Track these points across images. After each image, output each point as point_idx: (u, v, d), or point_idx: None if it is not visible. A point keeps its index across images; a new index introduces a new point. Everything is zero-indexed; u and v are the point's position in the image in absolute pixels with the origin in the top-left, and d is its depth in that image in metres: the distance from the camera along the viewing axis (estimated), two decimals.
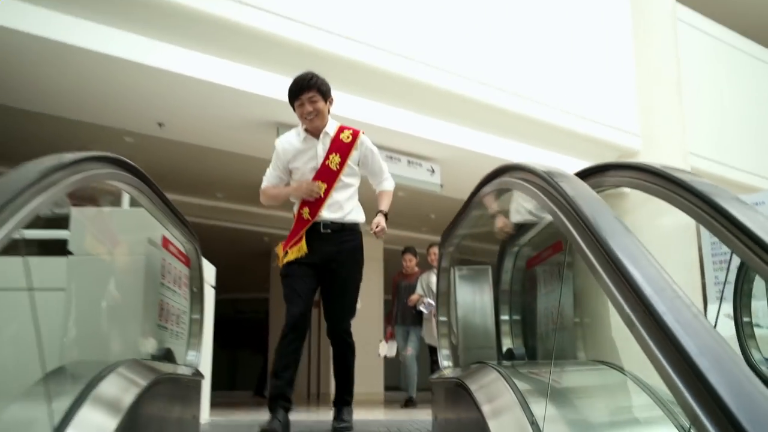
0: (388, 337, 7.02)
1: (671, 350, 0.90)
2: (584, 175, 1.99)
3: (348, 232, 3.15)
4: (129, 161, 1.95)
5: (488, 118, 6.43)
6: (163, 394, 2.01)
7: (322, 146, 3.12)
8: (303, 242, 3.06)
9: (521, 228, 2.69)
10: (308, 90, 3.05)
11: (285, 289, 3.07)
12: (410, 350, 6.63)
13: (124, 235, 2.40)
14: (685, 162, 7.35)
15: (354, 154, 3.15)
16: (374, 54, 5.61)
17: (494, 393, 1.85)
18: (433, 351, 6.17)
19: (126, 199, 2.74)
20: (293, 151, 3.17)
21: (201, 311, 2.88)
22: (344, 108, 4.69)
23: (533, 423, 1.71)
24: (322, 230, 3.09)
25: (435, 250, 6.27)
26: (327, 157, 3.10)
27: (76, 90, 4.97)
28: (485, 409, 1.82)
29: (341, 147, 3.14)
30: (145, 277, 2.27)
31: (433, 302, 5.95)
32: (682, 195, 1.53)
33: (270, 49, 4.98)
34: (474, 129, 6.38)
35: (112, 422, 1.73)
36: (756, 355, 2.84)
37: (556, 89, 6.92)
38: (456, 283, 2.91)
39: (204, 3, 4.73)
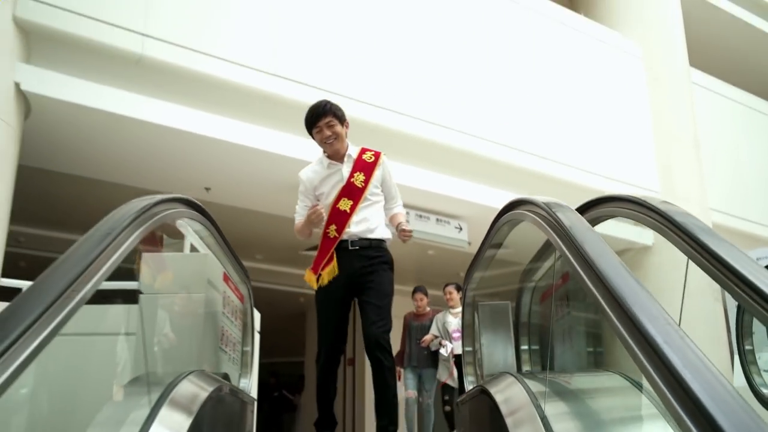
0: (399, 378, 6.40)
1: (655, 359, 1.11)
2: (582, 209, 2.34)
3: (376, 249, 3.16)
4: (201, 205, 2.36)
5: (515, 178, 6.80)
6: (225, 401, 2.34)
7: (346, 168, 3.20)
8: (335, 262, 3.08)
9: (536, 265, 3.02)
10: (324, 116, 3.15)
11: (318, 317, 3.14)
12: (412, 393, 6.22)
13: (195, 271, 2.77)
14: (705, 216, 7.60)
15: (377, 173, 3.22)
16: (407, 121, 6.10)
17: (510, 393, 2.16)
18: (446, 391, 5.97)
19: (187, 244, 3.12)
20: (318, 178, 3.24)
21: (252, 344, 3.22)
22: None
23: (543, 417, 2.01)
24: (350, 247, 3.10)
25: (450, 289, 6.20)
26: (352, 175, 3.17)
27: (130, 157, 5.45)
28: (500, 403, 2.12)
29: (365, 166, 3.22)
30: (211, 306, 2.63)
31: (450, 344, 5.79)
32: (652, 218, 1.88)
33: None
34: (501, 188, 6.69)
35: (186, 421, 2.06)
36: (757, 380, 3.07)
37: (580, 151, 7.30)
38: (480, 318, 3.21)
39: (248, 78, 5.27)
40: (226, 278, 2.90)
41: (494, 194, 6.71)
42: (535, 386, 2.16)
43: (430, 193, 6.35)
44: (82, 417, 2.01)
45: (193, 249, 3.53)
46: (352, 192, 3.16)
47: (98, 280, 1.56)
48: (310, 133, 3.24)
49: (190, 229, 2.98)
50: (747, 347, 3.25)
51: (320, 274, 3.08)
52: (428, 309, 6.55)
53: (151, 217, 1.93)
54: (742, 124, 9.18)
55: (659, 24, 8.67)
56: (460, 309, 5.36)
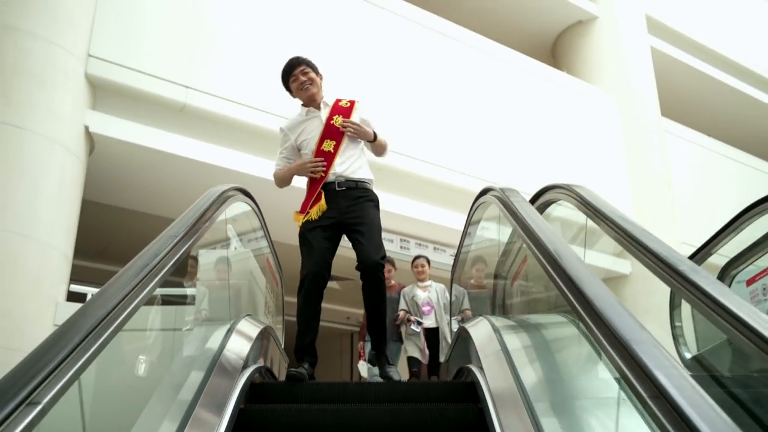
0: (363, 356, 5.99)
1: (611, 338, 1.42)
2: (533, 199, 3.24)
3: (362, 189, 3.24)
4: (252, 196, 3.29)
5: None
6: (269, 335, 3.22)
7: (324, 113, 3.32)
8: (323, 200, 3.16)
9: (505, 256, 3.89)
10: (299, 65, 3.33)
11: (303, 248, 3.17)
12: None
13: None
14: (677, 249, 8.43)
15: (354, 117, 3.32)
16: (411, 162, 7.06)
17: (480, 326, 3.02)
18: (413, 364, 5.49)
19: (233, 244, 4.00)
20: (298, 126, 3.36)
21: (282, 322, 4.06)
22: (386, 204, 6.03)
23: (499, 338, 2.86)
24: (337, 188, 3.19)
25: (423, 261, 5.87)
26: (330, 118, 3.28)
27: (172, 190, 6.35)
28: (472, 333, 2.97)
29: (342, 110, 3.34)
30: (260, 283, 3.51)
31: (420, 319, 5.44)
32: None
33: None
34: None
35: (246, 346, 2.91)
36: (684, 352, 3.89)
37: None
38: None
39: (271, 123, 6.23)
40: (269, 265, 3.77)
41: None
42: (499, 322, 3.02)
43: (428, 223, 7.23)
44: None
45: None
46: (333, 133, 3.27)
47: (196, 239, 2.41)
48: (288, 87, 3.40)
49: (234, 232, 3.86)
50: (677, 324, 4.09)
51: (308, 212, 3.18)
52: (393, 282, 6.08)
53: (227, 198, 2.82)
54: (712, 168, 10.11)
55: (633, 79, 9.71)
56: (429, 283, 5.60)
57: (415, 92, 7.54)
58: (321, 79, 3.42)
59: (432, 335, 5.35)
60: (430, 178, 7.29)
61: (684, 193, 9.43)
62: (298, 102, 3.45)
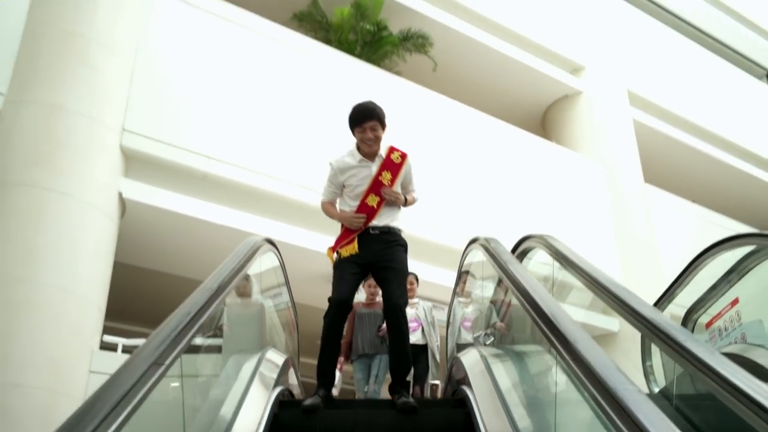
0: (341, 367, 6.02)
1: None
2: (513, 248, 3.83)
3: (393, 234, 3.46)
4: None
5: None
6: (290, 364, 3.78)
7: (375, 166, 3.48)
8: (355, 242, 3.38)
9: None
10: (371, 119, 3.41)
11: (335, 275, 3.39)
12: (362, 396, 5.72)
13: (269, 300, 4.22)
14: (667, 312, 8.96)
15: (402, 174, 3.53)
16: (420, 227, 7.65)
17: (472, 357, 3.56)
18: None
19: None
20: (348, 170, 3.50)
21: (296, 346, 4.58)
22: None
23: (486, 364, 3.40)
24: (371, 231, 3.41)
25: (411, 279, 5.76)
26: (380, 173, 3.45)
27: (194, 252, 6.95)
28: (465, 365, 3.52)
29: (392, 166, 3.50)
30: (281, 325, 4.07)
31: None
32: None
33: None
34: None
35: (274, 374, 3.45)
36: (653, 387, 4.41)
37: None
38: None
39: (287, 190, 6.87)
40: (288, 310, 4.33)
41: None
42: (486, 351, 3.57)
43: (432, 284, 7.77)
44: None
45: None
46: (377, 188, 3.45)
47: (235, 282, 2.97)
48: (352, 129, 3.49)
49: (257, 287, 4.43)
50: (648, 363, 4.63)
51: (338, 251, 3.44)
52: (378, 299, 5.94)
53: (259, 247, 3.41)
54: (694, 231, 10.71)
55: (617, 148, 10.44)
56: (416, 300, 5.70)
57: (421, 162, 8.20)
58: (384, 131, 3.53)
59: (418, 351, 5.33)
60: (432, 241, 7.85)
61: (669, 255, 9.98)
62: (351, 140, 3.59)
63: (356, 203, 3.48)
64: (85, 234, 5.55)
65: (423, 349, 5.46)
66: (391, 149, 3.55)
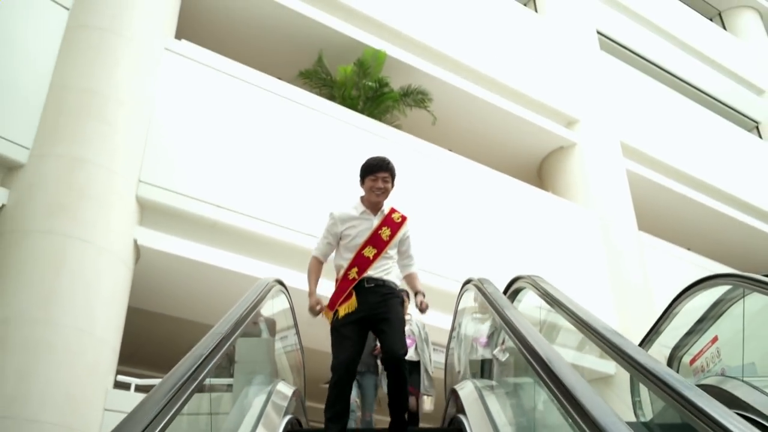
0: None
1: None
2: (505, 289, 4.13)
3: (389, 287, 3.52)
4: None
5: None
6: (299, 398, 4.04)
7: (377, 219, 3.58)
8: (354, 298, 3.42)
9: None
10: (385, 171, 3.55)
11: (334, 340, 3.41)
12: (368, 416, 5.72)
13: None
14: (655, 352, 9.17)
15: (400, 233, 3.62)
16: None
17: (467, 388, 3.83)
18: None
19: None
20: (349, 221, 3.58)
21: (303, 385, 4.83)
22: None
23: (480, 395, 3.67)
24: (366, 285, 3.45)
25: (403, 296, 5.46)
26: (380, 228, 3.54)
27: (204, 297, 7.24)
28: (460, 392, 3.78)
29: (392, 224, 3.59)
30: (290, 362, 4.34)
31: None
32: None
33: None
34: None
35: (284, 402, 3.73)
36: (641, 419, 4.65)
37: None
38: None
39: (291, 237, 7.19)
40: (297, 352, 4.61)
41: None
42: (480, 383, 3.84)
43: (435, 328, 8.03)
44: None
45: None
46: (377, 242, 3.53)
47: (248, 321, 3.28)
48: (363, 178, 3.61)
49: (264, 327, 4.72)
50: (636, 399, 4.88)
51: (337, 310, 3.46)
52: None
53: (271, 288, 3.73)
54: (688, 277, 10.92)
55: (611, 197, 10.78)
56: (409, 317, 5.62)
57: (421, 213, 8.54)
58: (393, 188, 3.65)
59: (411, 367, 5.34)
60: (432, 287, 8.11)
61: (664, 301, 10.15)
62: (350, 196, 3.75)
63: (351, 255, 3.53)
64: (102, 279, 5.86)
65: (416, 365, 5.49)
66: (393, 210, 3.69)
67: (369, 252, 3.52)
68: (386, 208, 3.68)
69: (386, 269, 3.57)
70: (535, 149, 11.53)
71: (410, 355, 5.39)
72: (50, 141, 6.13)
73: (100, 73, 6.63)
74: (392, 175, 3.62)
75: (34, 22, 6.55)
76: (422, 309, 3.58)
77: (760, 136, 15.39)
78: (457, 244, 8.65)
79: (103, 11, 6.97)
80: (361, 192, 3.68)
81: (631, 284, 9.98)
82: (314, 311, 3.53)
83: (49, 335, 5.34)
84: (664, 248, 11.05)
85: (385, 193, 3.60)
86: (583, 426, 1.84)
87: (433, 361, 5.84)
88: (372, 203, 3.63)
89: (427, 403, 5.23)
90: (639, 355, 2.53)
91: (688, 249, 11.49)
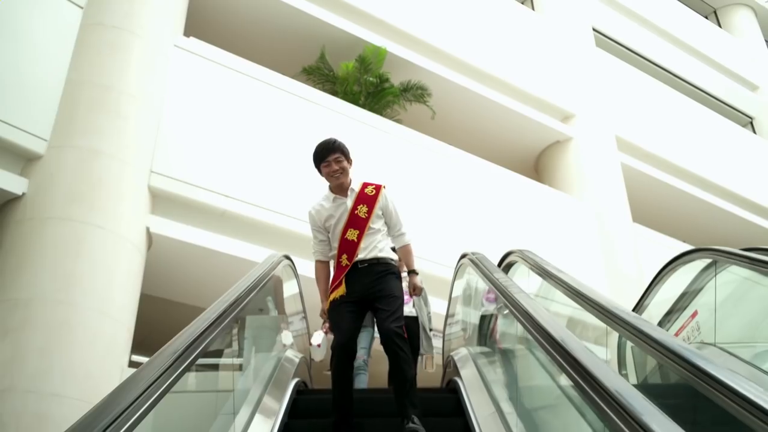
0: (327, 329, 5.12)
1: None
2: (500, 262, 4.43)
3: (384, 264, 3.48)
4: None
5: None
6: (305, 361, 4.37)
7: (350, 201, 3.51)
8: (343, 285, 3.41)
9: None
10: (333, 152, 3.49)
11: (331, 321, 3.47)
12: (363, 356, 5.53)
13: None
14: None
15: (378, 205, 3.54)
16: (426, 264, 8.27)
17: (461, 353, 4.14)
18: None
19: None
20: (325, 213, 3.55)
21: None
22: None
23: (474, 360, 3.98)
24: (359, 266, 3.43)
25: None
26: (355, 207, 3.47)
27: (211, 283, 7.54)
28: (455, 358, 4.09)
29: (367, 199, 3.52)
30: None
31: None
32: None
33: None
34: None
35: (293, 367, 4.03)
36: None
37: None
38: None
39: (296, 226, 7.50)
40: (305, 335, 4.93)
41: None
42: (473, 350, 4.15)
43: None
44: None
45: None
46: (357, 222, 3.47)
47: (256, 292, 3.58)
48: (318, 168, 3.59)
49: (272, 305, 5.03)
50: (623, 372, 5.17)
51: (330, 294, 3.50)
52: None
53: (280, 261, 4.04)
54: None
55: (606, 190, 11.09)
56: (405, 275, 5.27)
57: (421, 204, 8.86)
58: (351, 164, 3.60)
59: (410, 323, 5.34)
60: (431, 274, 8.43)
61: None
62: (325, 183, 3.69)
63: (334, 248, 3.53)
64: (117, 263, 6.18)
65: (415, 320, 5.45)
66: (365, 185, 3.61)
67: (352, 234, 3.47)
68: (357, 185, 3.62)
69: (376, 245, 3.51)
70: (532, 143, 11.84)
71: (409, 311, 5.40)
72: (67, 133, 6.44)
73: (113, 69, 6.94)
74: (343, 153, 3.56)
75: (51, 21, 6.86)
76: (414, 291, 3.59)
77: (754, 132, 15.70)
78: (456, 233, 8.95)
79: (116, 10, 7.28)
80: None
81: (625, 274, 10.28)
82: (323, 318, 3.56)
83: (68, 316, 5.65)
84: (658, 239, 11.36)
85: (344, 172, 3.54)
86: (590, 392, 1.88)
87: (433, 330, 5.80)
88: (337, 187, 3.57)
89: (428, 365, 5.21)
90: (627, 315, 2.80)
91: (684, 241, 11.79)
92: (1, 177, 6.04)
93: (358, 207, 3.51)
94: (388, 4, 10.42)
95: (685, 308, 5.06)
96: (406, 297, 5.10)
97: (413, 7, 10.77)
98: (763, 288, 4.27)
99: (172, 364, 2.08)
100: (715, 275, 4.30)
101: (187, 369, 2.23)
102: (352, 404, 3.29)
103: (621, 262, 10.41)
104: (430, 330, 5.49)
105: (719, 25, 17.58)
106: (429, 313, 5.60)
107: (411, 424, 3.06)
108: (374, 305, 3.42)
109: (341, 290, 3.42)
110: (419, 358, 5.28)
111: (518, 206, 9.97)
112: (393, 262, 3.58)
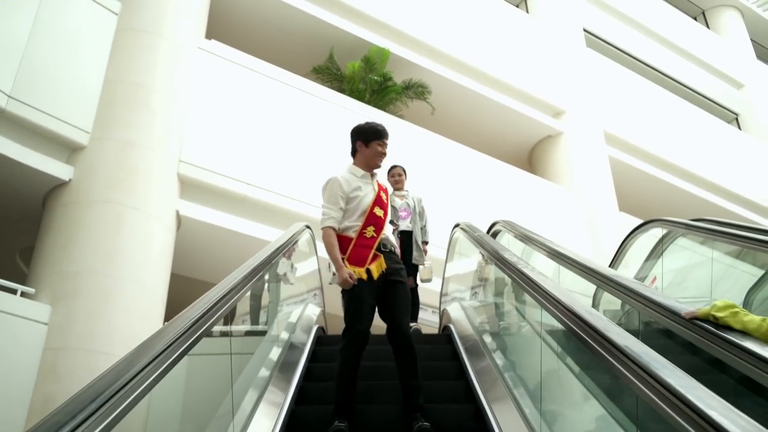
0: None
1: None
2: (488, 229, 5.23)
3: (396, 255, 3.63)
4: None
5: None
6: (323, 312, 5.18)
7: (375, 184, 3.66)
8: (382, 258, 3.46)
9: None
10: (387, 137, 3.67)
11: (353, 302, 3.34)
12: None
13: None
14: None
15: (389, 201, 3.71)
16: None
17: (453, 305, 4.95)
18: None
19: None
20: (355, 183, 3.57)
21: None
22: None
23: (465, 310, 4.78)
24: (383, 249, 3.50)
25: (400, 171, 6.22)
26: (380, 191, 3.63)
27: (235, 263, 8.35)
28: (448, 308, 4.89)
29: (385, 192, 3.72)
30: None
31: (396, 222, 5.83)
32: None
33: None
34: None
35: (315, 316, 4.84)
36: None
37: None
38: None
39: (306, 210, 8.30)
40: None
41: None
42: (463, 303, 4.96)
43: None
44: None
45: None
46: (382, 204, 3.59)
47: (281, 254, 4.38)
48: (368, 142, 3.64)
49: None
50: None
51: (368, 269, 3.39)
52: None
53: (303, 229, 4.83)
54: None
55: (594, 181, 11.88)
56: (405, 192, 6.04)
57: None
58: None
59: (407, 237, 5.73)
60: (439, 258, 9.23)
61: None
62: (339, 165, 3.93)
63: (359, 216, 3.49)
64: (152, 240, 6.99)
65: (410, 234, 5.79)
66: (379, 183, 3.74)
67: (379, 211, 3.54)
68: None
69: (390, 234, 3.65)
70: (526, 137, 12.64)
71: (407, 225, 5.74)
72: (106, 126, 7.24)
73: (145, 69, 7.75)
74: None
75: (90, 27, 7.67)
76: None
77: (739, 127, 16.47)
78: (456, 220, 9.71)
79: (146, 16, 8.09)
80: (350, 160, 3.75)
81: (610, 258, 11.04)
82: (349, 282, 3.35)
83: (110, 286, 6.46)
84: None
85: (384, 158, 3.67)
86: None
87: (428, 264, 5.98)
88: (373, 167, 3.65)
89: (425, 273, 5.45)
90: (597, 266, 3.58)
91: None
92: (50, 165, 6.85)
93: (381, 192, 3.64)
94: (391, 9, 11.22)
95: (647, 278, 5.83)
96: (404, 213, 5.79)
97: (415, 11, 11.57)
98: (709, 254, 5.06)
99: (222, 297, 2.78)
100: (662, 244, 5.08)
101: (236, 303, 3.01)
102: (355, 391, 3.30)
103: (607, 248, 11.15)
104: (424, 243, 5.77)
105: (707, 26, 18.35)
106: (425, 226, 5.88)
107: (422, 423, 3.10)
108: (389, 290, 3.44)
109: (381, 263, 3.45)
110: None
111: (512, 196, 10.75)
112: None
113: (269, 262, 3.37)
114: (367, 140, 3.63)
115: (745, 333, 2.27)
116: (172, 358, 2.02)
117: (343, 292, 3.42)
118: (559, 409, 2.77)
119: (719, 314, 2.34)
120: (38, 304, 6.18)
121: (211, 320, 2.47)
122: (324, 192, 3.59)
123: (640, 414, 1.91)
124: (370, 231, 3.47)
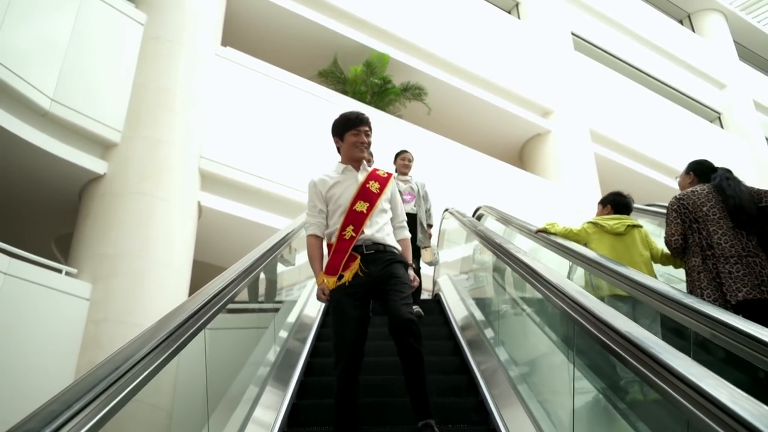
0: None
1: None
2: (473, 213, 6.07)
3: (390, 254, 3.13)
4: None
5: None
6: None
7: (362, 174, 3.27)
8: (358, 260, 3.04)
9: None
10: (365, 124, 3.28)
11: (335, 317, 3.02)
12: None
13: None
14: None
15: (389, 188, 3.29)
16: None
17: (443, 278, 5.80)
18: None
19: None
20: (331, 181, 3.28)
21: None
22: None
23: (455, 284, 5.64)
24: (365, 251, 3.07)
25: (410, 156, 6.22)
26: (367, 182, 3.22)
27: (249, 250, 9.18)
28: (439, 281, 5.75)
29: (379, 179, 3.30)
30: None
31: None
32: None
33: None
34: None
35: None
36: None
37: None
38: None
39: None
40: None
41: None
42: (454, 276, 5.81)
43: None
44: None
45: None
46: (368, 195, 3.19)
47: (281, 249, 5.19)
48: (343, 133, 3.32)
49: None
50: None
51: (342, 274, 3.04)
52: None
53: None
54: None
55: (580, 176, 12.72)
56: (409, 177, 6.10)
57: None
58: None
59: (411, 220, 5.54)
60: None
61: None
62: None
63: (341, 215, 3.19)
64: (178, 228, 7.84)
65: (414, 217, 5.75)
66: (375, 169, 3.43)
67: (361, 206, 3.18)
68: (368, 167, 3.44)
69: (383, 227, 3.23)
70: (517, 136, 13.49)
71: (410, 209, 5.72)
72: (136, 126, 8.09)
73: (169, 74, 8.60)
74: (371, 128, 3.35)
75: (120, 37, 8.52)
76: (413, 282, 3.15)
77: (722, 126, 17.31)
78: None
79: (169, 26, 8.94)
80: (337, 158, 3.48)
81: None
82: (322, 297, 3.12)
83: (143, 267, 7.31)
84: None
85: (369, 147, 3.35)
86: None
87: (432, 227, 6.06)
88: (354, 159, 3.34)
89: (427, 255, 5.56)
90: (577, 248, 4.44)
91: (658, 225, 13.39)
92: (87, 160, 7.70)
93: (370, 182, 3.27)
94: (391, 17, 12.07)
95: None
96: (408, 197, 5.84)
97: (413, 19, 12.41)
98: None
99: (244, 271, 3.63)
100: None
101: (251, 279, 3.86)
102: (358, 415, 2.99)
103: None
104: (428, 226, 5.86)
105: (692, 29, 19.19)
106: (429, 209, 5.95)
107: (424, 421, 2.85)
108: (382, 288, 3.05)
109: (356, 266, 3.06)
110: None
111: (505, 190, 11.58)
112: (399, 252, 3.26)
113: (277, 249, 4.17)
114: (341, 134, 3.37)
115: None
116: (171, 350, 2.20)
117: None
118: (505, 330, 3.66)
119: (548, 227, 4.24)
120: (80, 282, 7.03)
121: (212, 311, 3.32)
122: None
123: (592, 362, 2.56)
124: (348, 231, 3.13)
